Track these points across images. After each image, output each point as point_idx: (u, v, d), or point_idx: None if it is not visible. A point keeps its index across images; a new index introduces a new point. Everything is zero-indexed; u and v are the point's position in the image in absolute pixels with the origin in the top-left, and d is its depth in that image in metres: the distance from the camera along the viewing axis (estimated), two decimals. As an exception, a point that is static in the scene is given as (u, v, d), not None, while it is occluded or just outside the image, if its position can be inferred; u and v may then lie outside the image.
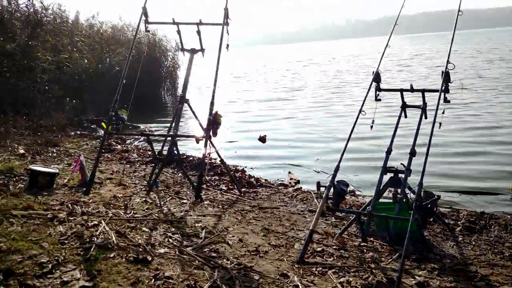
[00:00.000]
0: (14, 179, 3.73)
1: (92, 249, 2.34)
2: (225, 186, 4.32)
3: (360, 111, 3.10)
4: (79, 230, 2.62)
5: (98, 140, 6.42)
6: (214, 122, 3.41)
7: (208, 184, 4.38)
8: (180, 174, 4.80)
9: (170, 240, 2.67)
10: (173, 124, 3.79)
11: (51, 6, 9.64)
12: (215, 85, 3.45)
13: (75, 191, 3.59)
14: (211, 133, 3.39)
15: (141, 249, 2.45)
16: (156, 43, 11.45)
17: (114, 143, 6.19)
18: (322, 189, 2.92)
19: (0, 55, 7.16)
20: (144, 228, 2.82)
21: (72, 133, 6.73)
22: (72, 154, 5.37)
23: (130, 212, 3.12)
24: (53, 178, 3.65)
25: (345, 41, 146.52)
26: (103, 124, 3.62)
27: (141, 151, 5.99)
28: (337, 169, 2.94)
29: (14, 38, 7.55)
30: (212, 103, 3.41)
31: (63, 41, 8.89)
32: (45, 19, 8.79)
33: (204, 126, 3.37)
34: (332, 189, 2.87)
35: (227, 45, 3.66)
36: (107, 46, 9.88)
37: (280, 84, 16.89)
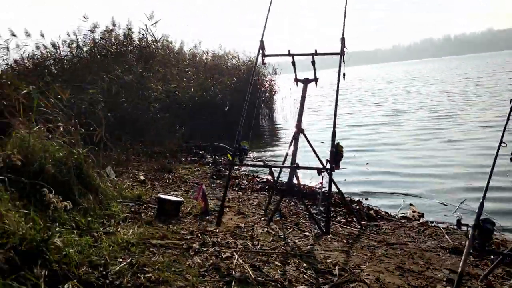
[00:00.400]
0: (143, 207, 3.93)
1: (233, 283, 2.32)
2: (343, 218, 4.14)
3: (501, 142, 2.77)
4: (215, 262, 2.62)
5: (208, 166, 6.65)
6: (336, 154, 3.31)
7: (324, 215, 4.23)
8: (292, 203, 4.73)
9: (305, 276, 2.57)
10: (289, 152, 3.79)
11: (161, 39, 10.48)
12: (335, 116, 3.37)
13: (199, 219, 3.67)
14: (333, 165, 3.29)
15: (279, 285, 2.38)
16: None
17: (223, 169, 6.34)
18: (464, 227, 2.66)
19: (120, 86, 7.82)
20: (276, 262, 2.75)
21: (183, 159, 7.06)
22: (187, 181, 5.58)
23: (258, 244, 3.08)
24: (179, 206, 3.78)
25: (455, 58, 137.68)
26: (228, 156, 3.69)
27: (250, 177, 6.06)
28: (481, 206, 2.64)
29: (130, 71, 8.22)
30: (333, 135, 3.32)
31: (171, 71, 9.48)
32: (156, 52, 9.51)
33: (321, 157, 3.30)
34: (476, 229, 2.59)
35: (344, 74, 3.58)
36: (211, 75, 10.35)
37: (384, 107, 16.02)
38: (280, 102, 12.91)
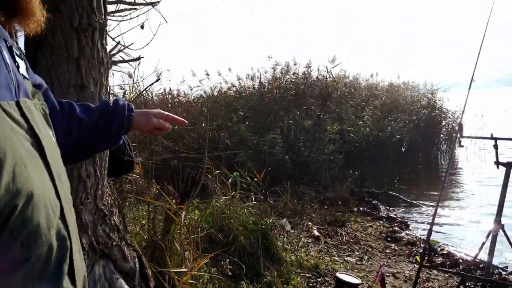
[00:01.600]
0: (319, 280, 4.00)
1: None
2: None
3: None
4: None
5: (382, 222, 6.40)
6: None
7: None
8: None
9: None
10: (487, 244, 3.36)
11: (339, 77, 10.60)
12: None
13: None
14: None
15: None
16: (436, 104, 10.94)
17: (397, 228, 6.02)
18: None
19: (299, 129, 8.17)
20: None
21: (355, 209, 6.95)
22: (360, 242, 5.47)
23: None
24: (356, 289, 3.71)
25: None
26: (417, 258, 3.49)
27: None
28: None
29: (309, 114, 8.50)
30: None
31: (346, 109, 9.48)
32: (334, 93, 9.65)
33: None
34: None
35: None
36: (388, 111, 9.99)
37: None
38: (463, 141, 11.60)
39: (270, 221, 4.09)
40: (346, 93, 10.36)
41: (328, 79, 10.06)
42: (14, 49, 0.96)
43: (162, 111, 1.48)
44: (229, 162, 7.31)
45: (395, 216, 6.59)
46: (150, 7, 2.34)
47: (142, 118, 1.44)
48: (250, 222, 3.99)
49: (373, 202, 7.28)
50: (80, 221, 1.73)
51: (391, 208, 7.09)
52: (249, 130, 8.38)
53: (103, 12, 1.82)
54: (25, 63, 1.02)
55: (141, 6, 2.33)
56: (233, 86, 10.74)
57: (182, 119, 1.53)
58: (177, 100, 10.42)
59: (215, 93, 10.64)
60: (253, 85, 10.75)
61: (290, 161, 7.80)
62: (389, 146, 9.03)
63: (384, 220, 6.48)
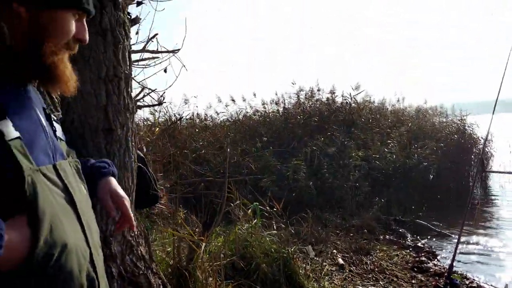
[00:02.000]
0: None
1: None
2: None
3: None
4: None
5: (408, 251, 6.28)
6: None
7: None
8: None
9: None
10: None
11: (366, 102, 10.62)
12: None
13: None
14: None
15: None
16: (466, 131, 10.73)
17: (425, 258, 5.89)
18: None
19: (323, 156, 8.19)
20: None
21: (381, 237, 6.85)
22: (385, 271, 5.38)
23: None
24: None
25: None
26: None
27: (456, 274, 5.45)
28: None
29: (333, 141, 8.53)
30: None
31: (372, 135, 9.43)
32: (359, 119, 9.66)
33: None
34: None
35: None
36: (415, 138, 9.88)
37: None
38: (497, 167, 11.13)
39: (292, 249, 4.11)
40: (371, 120, 10.32)
41: (352, 105, 10.09)
42: (52, 115, 1.17)
43: (124, 202, 1.41)
44: (254, 187, 7.39)
45: (422, 246, 6.46)
46: (171, 54, 2.51)
47: (104, 190, 1.38)
48: (272, 250, 4.03)
49: (400, 230, 7.16)
50: (110, 251, 1.85)
51: (418, 237, 6.94)
52: (273, 155, 8.46)
53: (127, 63, 2.02)
54: (60, 126, 1.23)
55: (163, 54, 2.50)
56: (257, 111, 10.91)
57: (133, 224, 1.46)
58: (204, 124, 10.64)
59: (240, 117, 10.83)
60: (278, 109, 10.89)
61: (314, 187, 7.80)
62: (416, 173, 8.88)
63: (411, 249, 6.36)
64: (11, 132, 0.92)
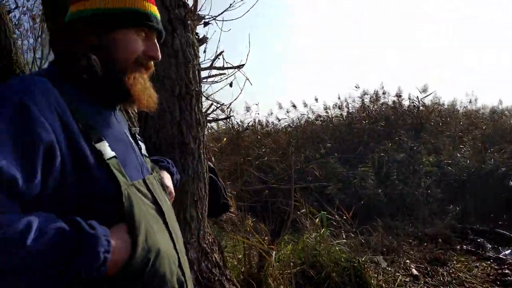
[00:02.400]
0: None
1: None
2: None
3: None
4: None
5: (489, 262, 5.85)
6: None
7: None
8: None
9: None
10: None
11: (435, 104, 10.12)
12: None
13: None
14: None
15: None
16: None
17: (508, 271, 5.44)
18: None
19: (392, 162, 7.91)
20: None
21: (458, 247, 6.45)
22: (464, 283, 5.05)
23: None
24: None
25: None
26: None
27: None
28: None
29: (401, 146, 8.21)
30: None
31: (443, 140, 8.96)
32: (428, 123, 9.22)
33: None
34: None
35: None
36: (490, 141, 9.23)
37: None
38: None
39: (363, 259, 4.00)
40: (441, 123, 9.80)
41: (420, 108, 9.66)
42: (136, 135, 1.29)
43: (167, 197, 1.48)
44: (319, 194, 7.30)
45: (505, 257, 5.98)
46: (236, 69, 2.60)
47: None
48: (342, 259, 3.94)
49: (478, 240, 6.68)
50: (187, 258, 1.92)
51: (500, 248, 6.45)
52: (338, 161, 8.31)
53: (198, 81, 2.14)
54: (144, 144, 1.35)
55: (229, 70, 2.61)
56: (319, 116, 10.80)
57: None
58: (266, 130, 10.72)
59: (302, 123, 10.78)
60: (341, 113, 10.70)
61: (383, 194, 7.54)
62: (493, 179, 8.26)
63: (491, 260, 5.91)
64: (109, 152, 1.03)
